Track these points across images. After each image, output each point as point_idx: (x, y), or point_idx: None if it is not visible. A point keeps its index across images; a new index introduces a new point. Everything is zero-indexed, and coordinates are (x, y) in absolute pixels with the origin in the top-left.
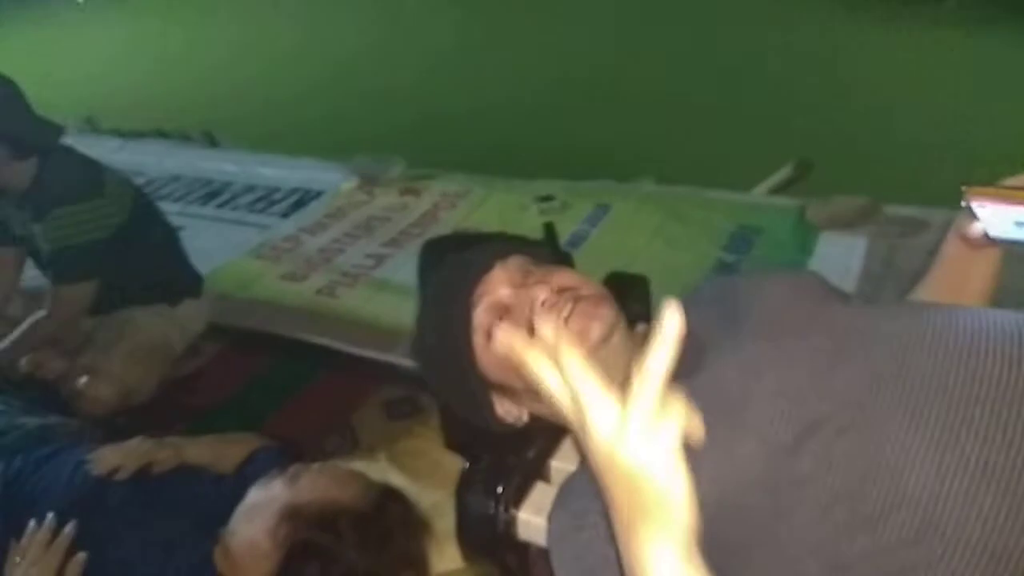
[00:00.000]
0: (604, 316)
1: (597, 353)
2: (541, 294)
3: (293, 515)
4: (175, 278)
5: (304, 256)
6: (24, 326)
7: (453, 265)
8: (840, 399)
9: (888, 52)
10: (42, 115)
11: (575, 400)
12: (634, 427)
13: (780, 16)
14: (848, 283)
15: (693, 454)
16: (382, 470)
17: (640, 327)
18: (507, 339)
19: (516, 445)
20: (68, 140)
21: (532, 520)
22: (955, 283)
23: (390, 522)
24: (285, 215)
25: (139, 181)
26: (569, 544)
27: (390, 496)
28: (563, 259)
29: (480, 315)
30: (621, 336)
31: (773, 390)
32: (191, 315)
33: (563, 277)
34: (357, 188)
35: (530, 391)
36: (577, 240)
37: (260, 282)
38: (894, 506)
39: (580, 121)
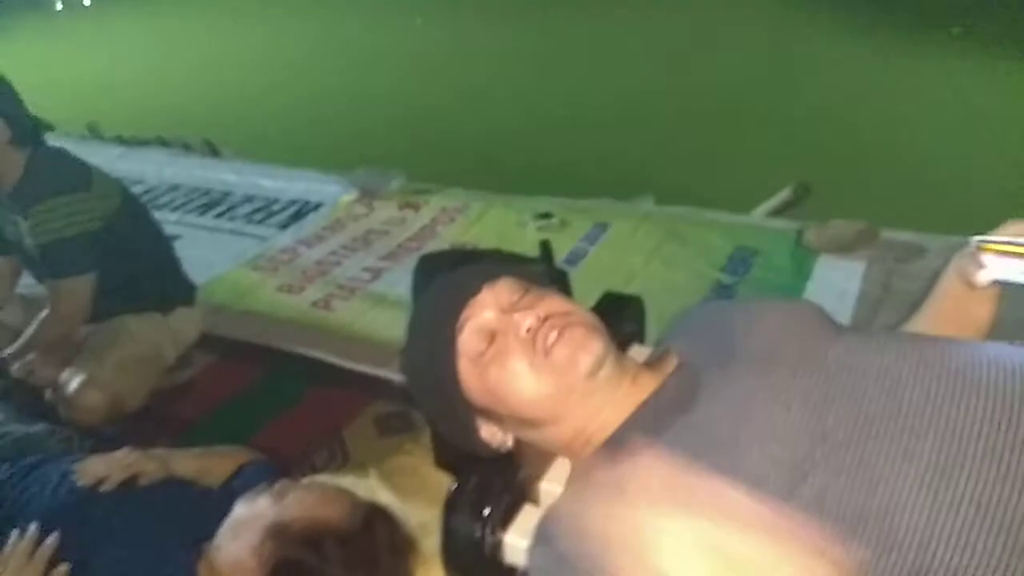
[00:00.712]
0: (593, 349)
1: (586, 385)
2: (526, 321)
3: (279, 532)
4: (167, 285)
5: (301, 268)
6: (31, 329)
7: (441, 287)
8: (832, 440)
9: (890, 77)
10: (33, 113)
11: None
12: None
13: (782, 40)
14: (845, 306)
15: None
16: (371, 487)
17: (633, 349)
18: None
19: (504, 466)
20: (69, 146)
21: (519, 544)
22: (953, 319)
23: (376, 542)
24: (283, 226)
25: (138, 189)
26: None
27: (377, 515)
28: (558, 279)
29: (465, 340)
30: (611, 366)
31: (765, 434)
32: (184, 324)
33: (552, 303)
34: (357, 201)
35: (514, 417)
36: (575, 258)
37: (256, 293)
38: (885, 549)
39: (580, 139)
